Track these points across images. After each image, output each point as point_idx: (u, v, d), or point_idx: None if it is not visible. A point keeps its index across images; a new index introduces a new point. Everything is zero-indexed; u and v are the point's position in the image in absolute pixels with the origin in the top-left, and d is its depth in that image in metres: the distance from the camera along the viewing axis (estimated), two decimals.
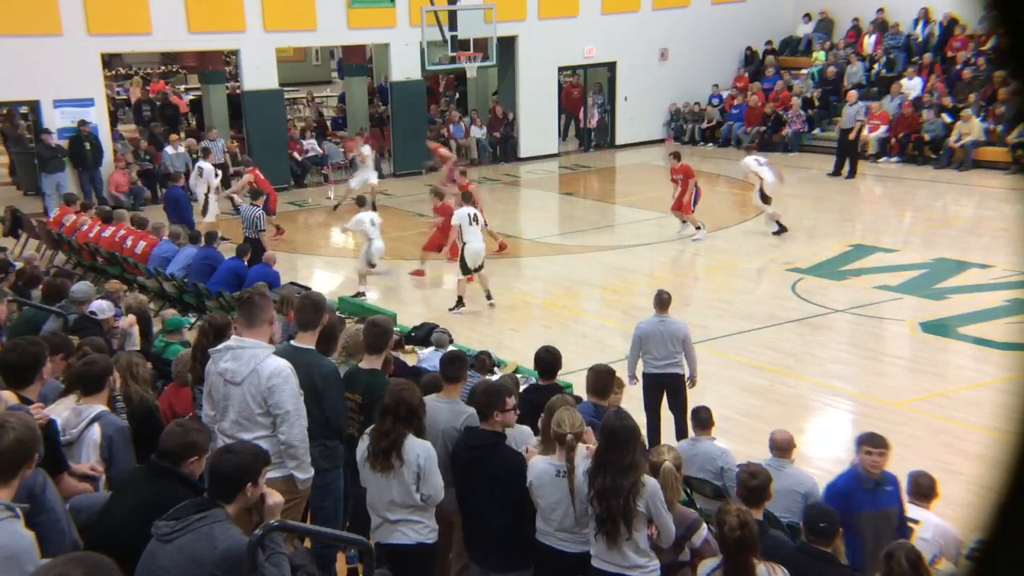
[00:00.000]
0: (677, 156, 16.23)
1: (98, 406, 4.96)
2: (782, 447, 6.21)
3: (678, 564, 4.88)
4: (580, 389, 7.37)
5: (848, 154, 20.28)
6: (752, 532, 4.23)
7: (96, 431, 4.83)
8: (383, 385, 5.55)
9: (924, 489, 5.72)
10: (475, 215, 12.17)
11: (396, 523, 4.82)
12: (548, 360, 6.35)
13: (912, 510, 5.64)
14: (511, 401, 5.06)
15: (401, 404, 4.72)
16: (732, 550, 4.22)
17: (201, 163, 17.24)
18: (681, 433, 7.89)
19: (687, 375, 8.25)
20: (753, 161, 16.02)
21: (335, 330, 6.17)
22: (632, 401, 8.06)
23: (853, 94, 20.67)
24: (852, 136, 20.25)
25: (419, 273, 14.55)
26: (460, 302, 12.41)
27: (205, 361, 5.49)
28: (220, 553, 3.50)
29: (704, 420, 6.64)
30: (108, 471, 4.83)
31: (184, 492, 3.83)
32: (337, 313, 9.18)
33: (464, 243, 12.16)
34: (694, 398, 8.16)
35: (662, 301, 8.22)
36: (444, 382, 5.54)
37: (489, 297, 12.54)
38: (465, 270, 12.28)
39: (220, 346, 5.08)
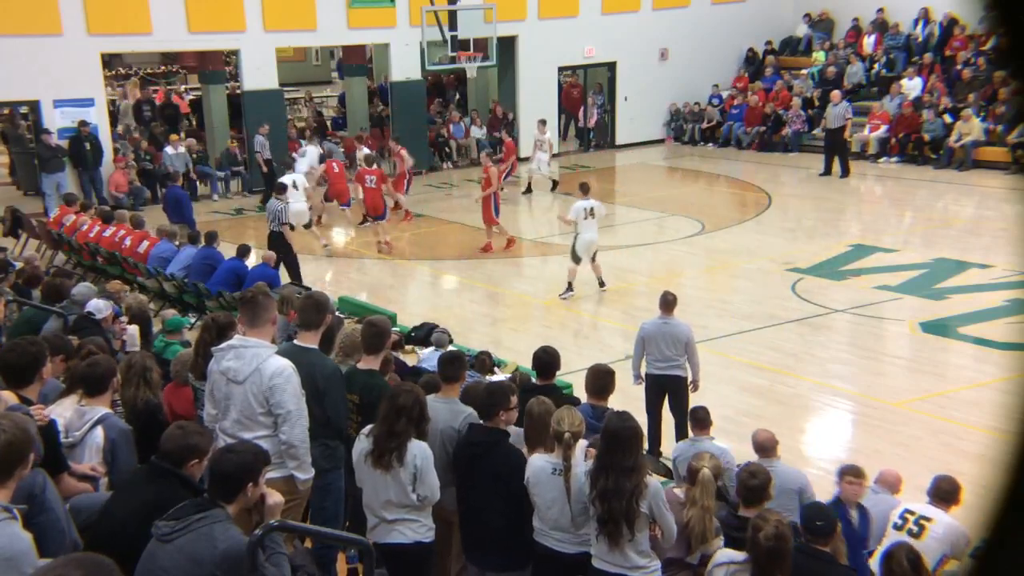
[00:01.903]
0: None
1: (101, 408, 4.96)
2: (765, 447, 6.20)
3: (683, 564, 4.86)
4: (580, 389, 7.37)
5: (839, 153, 20.30)
6: (786, 546, 4.16)
7: (99, 434, 4.82)
8: (380, 386, 5.54)
9: (943, 493, 5.71)
10: (591, 208, 12.66)
11: (393, 523, 4.82)
12: (546, 360, 6.34)
13: (926, 508, 5.64)
14: (515, 400, 5.09)
15: (416, 405, 4.74)
16: (763, 559, 4.16)
17: (307, 147, 18.52)
18: (681, 435, 7.88)
19: (691, 378, 8.19)
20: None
21: (332, 332, 6.16)
22: (633, 402, 8.06)
23: (837, 94, 20.70)
24: (847, 135, 20.28)
25: (487, 248, 15.49)
26: (569, 287, 12.97)
27: (208, 358, 5.50)
28: (220, 553, 3.50)
29: (702, 420, 6.64)
30: (110, 474, 4.83)
31: (184, 493, 3.83)
32: (337, 313, 9.19)
33: (577, 233, 12.73)
34: (694, 397, 8.16)
35: (667, 302, 8.17)
36: (442, 382, 5.53)
37: (602, 284, 13.12)
38: (575, 259, 12.82)
39: (223, 345, 5.08)
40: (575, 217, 12.69)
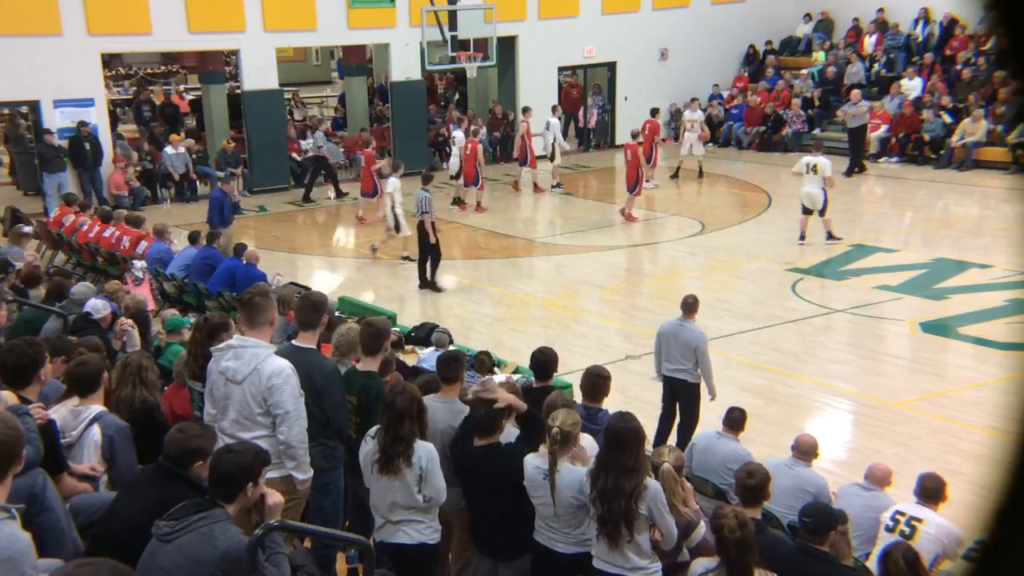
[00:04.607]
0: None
1: (96, 406, 4.95)
2: (804, 450, 6.23)
3: (677, 565, 4.87)
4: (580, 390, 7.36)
5: (856, 152, 20.27)
6: (750, 532, 4.22)
7: (96, 432, 4.82)
8: (379, 387, 5.52)
9: (929, 491, 5.70)
10: (815, 164, 14.45)
11: (399, 523, 4.82)
12: (543, 361, 6.32)
13: (916, 509, 5.63)
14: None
15: (414, 404, 4.74)
16: (733, 552, 4.19)
17: (456, 132, 19.22)
18: (682, 440, 7.83)
19: (709, 386, 8.05)
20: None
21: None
22: (632, 402, 8.06)
23: (856, 93, 20.62)
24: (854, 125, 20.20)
25: (631, 218, 17.03)
26: (802, 236, 15.00)
27: (199, 357, 5.51)
28: (220, 553, 3.50)
29: (736, 421, 6.59)
30: (109, 471, 4.82)
31: (191, 494, 3.83)
32: (337, 313, 9.19)
33: (802, 187, 14.83)
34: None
35: (686, 305, 8.05)
36: (441, 383, 5.53)
37: (829, 237, 14.89)
38: (804, 210, 14.91)
39: (222, 344, 5.09)
40: (800, 170, 14.65)
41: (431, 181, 13.97)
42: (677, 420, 8.21)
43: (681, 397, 8.10)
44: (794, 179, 20.69)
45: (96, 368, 5.10)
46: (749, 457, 6.33)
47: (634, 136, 17.64)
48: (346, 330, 6.42)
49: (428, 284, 13.45)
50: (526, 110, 20.70)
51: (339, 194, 20.34)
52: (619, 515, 4.40)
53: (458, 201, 18.86)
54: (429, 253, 13.43)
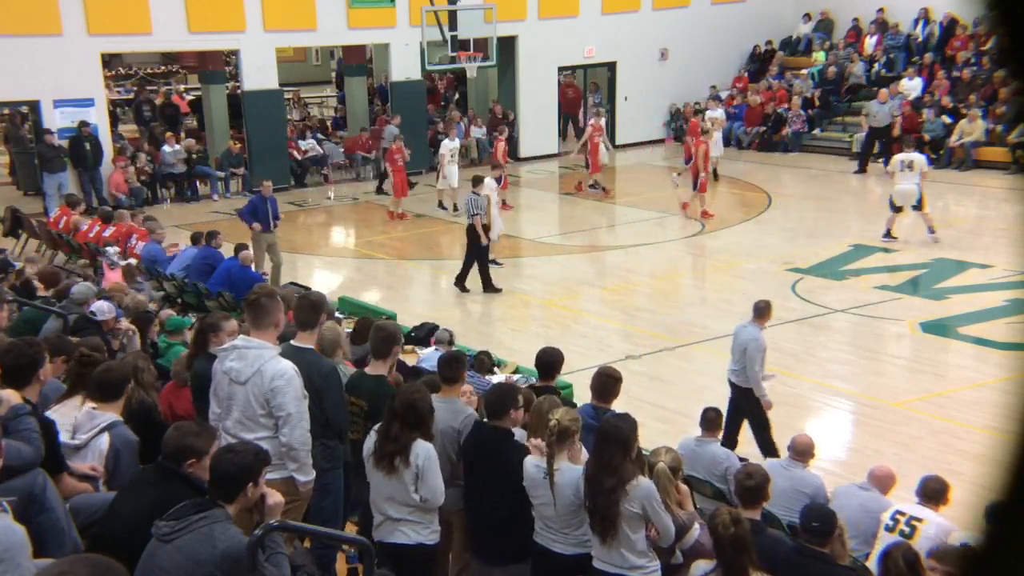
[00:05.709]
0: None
1: (112, 415, 4.93)
2: (800, 451, 6.23)
3: (671, 567, 4.86)
4: (580, 389, 7.37)
5: (883, 148, 20.21)
6: (744, 529, 4.21)
7: (105, 441, 4.80)
8: (388, 392, 5.53)
9: (930, 492, 5.71)
10: (911, 161, 14.50)
11: (398, 522, 4.84)
12: (547, 361, 6.35)
13: (917, 509, 5.64)
14: (521, 399, 5.16)
15: (409, 410, 4.74)
16: (729, 551, 4.19)
17: (444, 140, 19.06)
18: (764, 449, 7.71)
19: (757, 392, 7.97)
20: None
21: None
22: (633, 402, 8.06)
23: (884, 93, 20.48)
24: (895, 132, 19.97)
25: (706, 215, 17.16)
26: (888, 233, 14.83)
27: (196, 356, 5.53)
28: (220, 553, 3.50)
29: (712, 421, 6.60)
30: (109, 481, 4.80)
31: (191, 494, 3.83)
32: (337, 314, 9.19)
33: (896, 184, 14.76)
34: (692, 396, 8.13)
35: (755, 309, 8.01)
36: (442, 383, 5.54)
37: (931, 231, 14.69)
38: (893, 208, 14.74)
39: (227, 344, 5.13)
40: (894, 169, 14.74)
41: (481, 183, 13.87)
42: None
43: (737, 402, 8.00)
44: (801, 179, 20.95)
45: (122, 377, 5.10)
46: (731, 459, 6.35)
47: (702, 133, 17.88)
48: (325, 329, 6.37)
49: (462, 285, 13.31)
50: (591, 115, 20.46)
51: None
52: (604, 509, 4.44)
53: (442, 205, 18.72)
54: (477, 255, 13.27)
